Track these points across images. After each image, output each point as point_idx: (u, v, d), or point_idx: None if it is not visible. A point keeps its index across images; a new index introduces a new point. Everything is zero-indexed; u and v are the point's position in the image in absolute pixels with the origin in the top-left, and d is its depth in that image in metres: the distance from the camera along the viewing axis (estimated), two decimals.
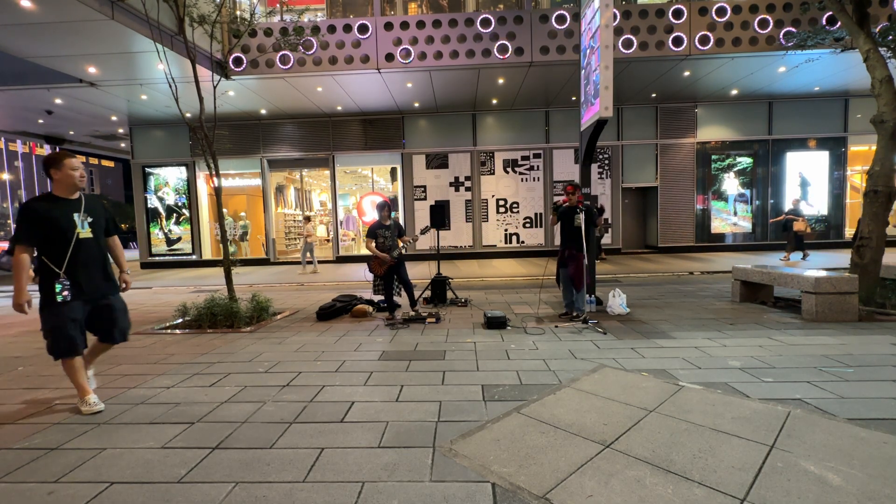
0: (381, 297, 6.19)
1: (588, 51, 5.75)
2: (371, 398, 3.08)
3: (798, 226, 10.73)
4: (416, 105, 12.71)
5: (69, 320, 2.84)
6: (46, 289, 2.79)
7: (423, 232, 6.15)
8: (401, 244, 5.72)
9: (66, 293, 2.80)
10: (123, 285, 3.15)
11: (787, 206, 12.65)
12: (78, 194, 2.95)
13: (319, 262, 14.17)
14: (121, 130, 14.31)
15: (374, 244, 5.67)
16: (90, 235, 2.92)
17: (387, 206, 5.79)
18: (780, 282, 5.47)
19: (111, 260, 3.15)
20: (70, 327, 2.85)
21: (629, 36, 9.62)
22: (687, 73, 10.84)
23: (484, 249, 13.73)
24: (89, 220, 2.93)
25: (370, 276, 6.04)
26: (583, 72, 6.02)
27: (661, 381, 3.22)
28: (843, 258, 10.01)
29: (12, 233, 11.53)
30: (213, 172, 5.79)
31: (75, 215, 2.86)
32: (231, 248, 10.95)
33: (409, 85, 10.94)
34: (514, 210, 13.73)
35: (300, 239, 10.82)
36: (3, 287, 10.73)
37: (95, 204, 3.02)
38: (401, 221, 13.62)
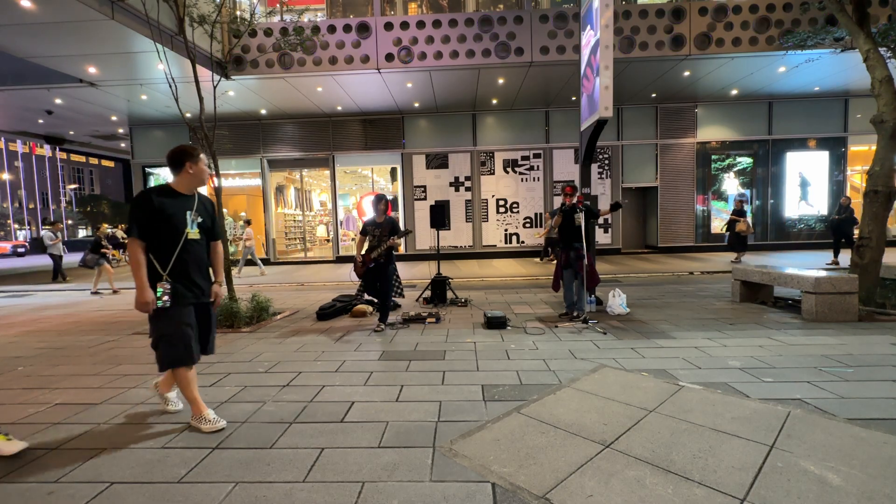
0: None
1: (587, 68, 5.74)
2: (371, 398, 3.08)
3: (740, 226, 10.73)
4: (416, 105, 12.71)
5: (182, 325, 2.58)
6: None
7: (402, 235, 5.22)
8: (383, 247, 4.96)
9: (165, 298, 2.51)
10: (213, 297, 2.79)
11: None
12: (194, 191, 2.73)
13: (319, 261, 14.19)
14: (121, 130, 14.32)
15: (364, 243, 5.07)
16: (197, 237, 2.66)
17: (383, 200, 5.07)
18: (780, 282, 5.47)
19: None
20: (183, 333, 2.58)
21: (629, 36, 9.62)
22: (687, 73, 10.84)
23: (484, 249, 13.73)
24: (199, 220, 2.67)
25: (355, 278, 5.33)
26: (582, 83, 6.01)
27: (661, 381, 3.22)
28: (817, 259, 10.01)
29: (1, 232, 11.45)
30: (213, 172, 5.78)
31: (188, 213, 2.62)
32: (231, 248, 10.95)
33: (409, 85, 10.94)
34: (514, 210, 13.73)
35: (240, 243, 10.24)
36: (2, 287, 10.73)
37: (207, 204, 2.79)
38: (400, 221, 13.62)
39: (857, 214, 6.03)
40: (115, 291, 9.18)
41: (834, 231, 10.20)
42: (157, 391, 2.98)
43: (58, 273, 11.38)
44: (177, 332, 2.57)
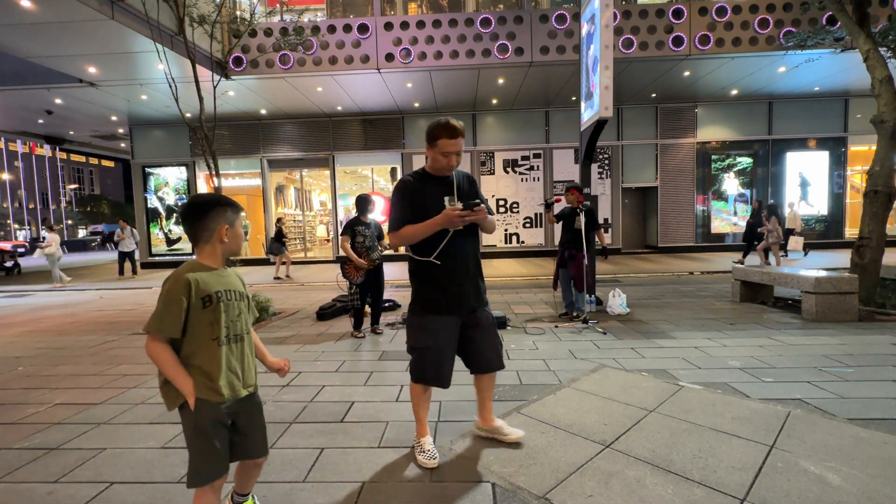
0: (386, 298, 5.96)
1: (586, 71, 5.75)
2: (371, 398, 3.08)
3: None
4: (416, 105, 12.71)
5: (441, 340, 2.18)
6: (417, 295, 2.23)
7: None
8: (384, 245, 4.82)
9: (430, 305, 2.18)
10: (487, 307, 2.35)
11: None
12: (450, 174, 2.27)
13: (319, 261, 14.18)
14: (121, 130, 14.32)
15: (349, 243, 4.68)
16: (460, 228, 2.18)
17: (370, 201, 4.85)
18: (780, 282, 5.47)
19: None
20: (441, 350, 2.18)
21: (629, 36, 9.62)
22: (687, 73, 10.84)
23: (484, 249, 13.71)
24: (456, 206, 2.20)
25: (343, 281, 4.98)
26: (582, 79, 6.02)
27: (661, 381, 3.22)
28: (835, 258, 10.02)
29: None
30: (213, 172, 5.78)
31: (446, 199, 2.19)
32: None
33: (409, 85, 10.94)
34: (515, 210, 13.73)
35: (41, 250, 9.76)
36: (2, 287, 10.73)
37: (464, 182, 2.32)
38: None
39: (857, 214, 6.02)
40: (287, 276, 10.27)
41: (748, 233, 10.44)
42: (483, 433, 2.45)
43: (132, 268, 11.99)
44: (431, 347, 2.18)
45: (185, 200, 1.49)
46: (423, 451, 2.22)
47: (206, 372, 1.46)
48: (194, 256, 1.59)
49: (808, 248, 11.57)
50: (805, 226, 13.69)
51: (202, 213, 1.51)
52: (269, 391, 3.28)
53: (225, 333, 1.50)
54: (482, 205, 2.07)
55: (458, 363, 2.30)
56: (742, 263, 10.01)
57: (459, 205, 2.11)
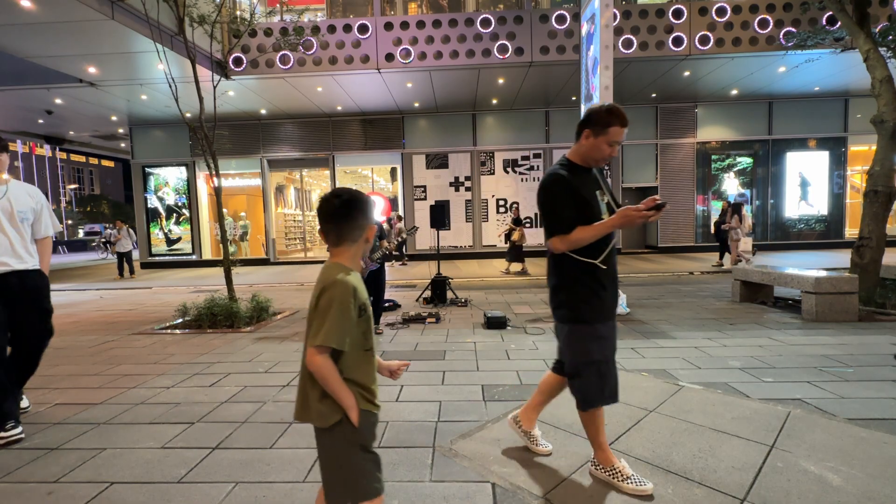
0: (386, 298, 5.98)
1: (586, 73, 5.75)
2: None
3: (514, 235, 10.02)
4: (416, 105, 12.71)
5: (613, 349, 1.98)
6: (585, 301, 1.92)
7: (410, 232, 5.50)
8: (385, 246, 5.01)
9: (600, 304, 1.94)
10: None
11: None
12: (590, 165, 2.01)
13: (319, 261, 14.16)
14: (121, 130, 14.32)
15: None
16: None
17: (373, 201, 5.13)
18: (780, 282, 5.47)
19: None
20: (613, 358, 1.98)
21: (629, 36, 9.62)
22: (687, 73, 10.84)
23: (484, 249, 13.73)
24: (606, 200, 2.00)
25: None
26: (582, 81, 6.02)
27: (661, 381, 3.22)
28: (828, 259, 10.03)
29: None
30: (213, 172, 5.78)
31: (597, 193, 1.97)
32: (231, 248, 10.97)
33: (409, 85, 10.94)
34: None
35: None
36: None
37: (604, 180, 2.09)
38: (402, 221, 13.64)
39: (857, 214, 6.03)
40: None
41: (717, 235, 10.54)
42: (517, 427, 2.33)
43: (129, 268, 11.94)
44: (608, 359, 1.95)
45: (332, 195, 1.33)
46: (630, 478, 1.93)
47: (361, 384, 1.37)
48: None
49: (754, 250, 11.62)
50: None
51: (359, 209, 1.34)
52: (270, 391, 3.28)
53: (373, 342, 1.41)
54: (666, 204, 1.79)
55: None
56: (721, 265, 10.16)
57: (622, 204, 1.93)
